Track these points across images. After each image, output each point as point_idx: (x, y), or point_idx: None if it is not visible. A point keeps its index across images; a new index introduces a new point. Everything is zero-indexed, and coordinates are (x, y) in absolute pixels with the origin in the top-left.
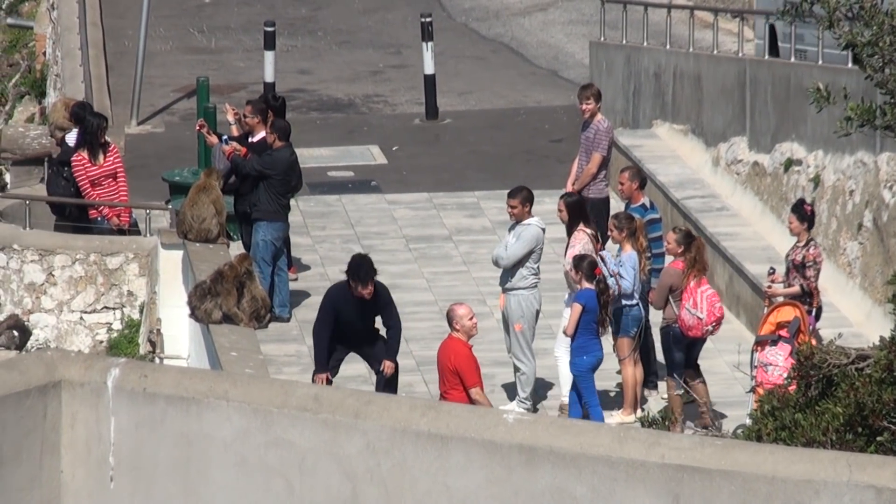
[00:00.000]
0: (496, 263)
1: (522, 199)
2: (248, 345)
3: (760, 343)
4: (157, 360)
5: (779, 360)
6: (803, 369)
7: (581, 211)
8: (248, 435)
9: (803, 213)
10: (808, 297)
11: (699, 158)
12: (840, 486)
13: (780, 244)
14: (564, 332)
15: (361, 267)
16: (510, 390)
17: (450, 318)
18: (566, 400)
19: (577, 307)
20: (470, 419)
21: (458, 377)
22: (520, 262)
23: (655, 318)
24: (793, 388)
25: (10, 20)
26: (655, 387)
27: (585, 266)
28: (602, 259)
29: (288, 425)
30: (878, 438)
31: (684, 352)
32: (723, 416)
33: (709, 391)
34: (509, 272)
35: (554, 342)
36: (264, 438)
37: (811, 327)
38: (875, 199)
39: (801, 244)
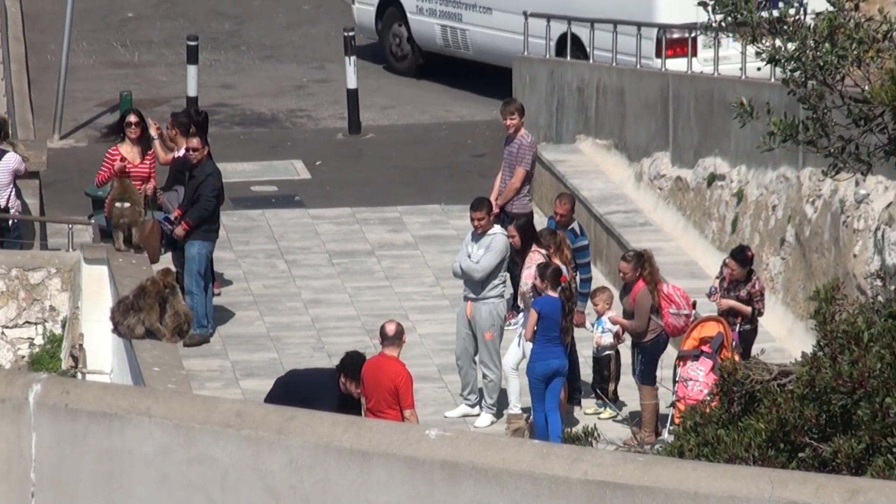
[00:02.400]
0: (461, 275)
1: (488, 210)
2: (170, 360)
3: (683, 358)
4: (79, 376)
5: (699, 375)
6: (726, 385)
7: (532, 232)
8: (171, 451)
9: (745, 259)
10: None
11: (622, 173)
12: (762, 502)
13: (703, 259)
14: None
15: (357, 362)
16: (438, 404)
17: (384, 335)
18: (515, 411)
19: (533, 313)
20: (392, 435)
21: (396, 397)
22: (491, 273)
23: (579, 333)
24: (714, 403)
25: None
26: (579, 403)
27: (550, 274)
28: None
29: (210, 441)
30: (801, 454)
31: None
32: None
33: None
34: (478, 283)
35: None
36: (186, 454)
37: (734, 343)
38: (798, 214)
39: (743, 281)
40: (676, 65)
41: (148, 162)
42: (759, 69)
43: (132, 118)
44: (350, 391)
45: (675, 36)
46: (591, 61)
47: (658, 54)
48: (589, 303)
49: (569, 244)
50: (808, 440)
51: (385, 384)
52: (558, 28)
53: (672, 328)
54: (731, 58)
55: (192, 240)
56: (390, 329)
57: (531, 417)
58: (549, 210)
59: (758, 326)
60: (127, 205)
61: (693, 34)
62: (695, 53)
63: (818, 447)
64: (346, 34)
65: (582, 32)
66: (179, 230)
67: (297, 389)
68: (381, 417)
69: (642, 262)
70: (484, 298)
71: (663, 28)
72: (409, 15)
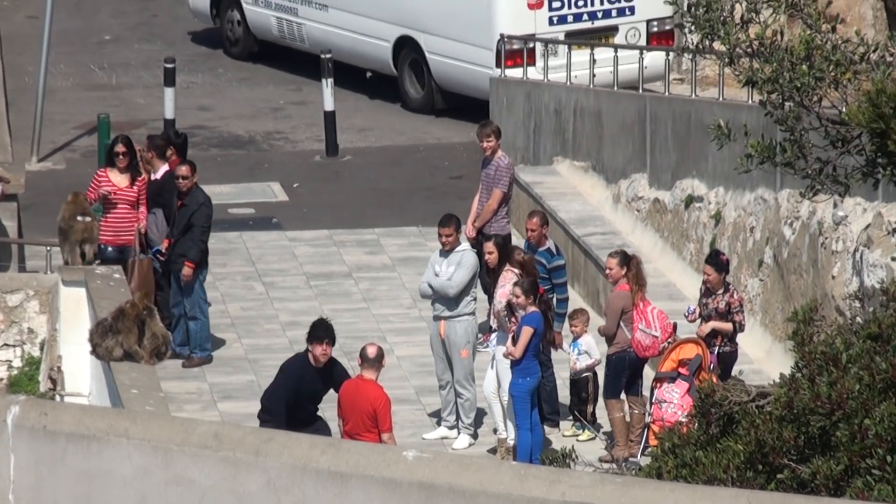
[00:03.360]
0: (430, 294)
1: (456, 227)
2: (148, 382)
3: (660, 379)
4: (57, 398)
5: (674, 397)
6: (704, 406)
7: (508, 251)
8: (149, 472)
9: (720, 264)
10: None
11: (600, 195)
12: None
13: (681, 281)
14: (509, 355)
15: (318, 326)
16: (416, 427)
17: (365, 358)
18: (504, 435)
19: (528, 330)
20: (370, 456)
21: (374, 420)
22: (464, 289)
23: (556, 355)
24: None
25: None
26: (556, 425)
27: (530, 288)
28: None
29: (188, 463)
30: (779, 476)
31: (629, 377)
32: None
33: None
34: (452, 300)
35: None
36: (165, 476)
37: (712, 365)
38: (776, 236)
39: (720, 292)
40: (514, 74)
41: (136, 187)
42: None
43: (119, 148)
44: (325, 354)
45: (515, 47)
46: (568, 83)
47: (497, 64)
48: (566, 324)
49: (549, 277)
50: (787, 461)
51: (363, 407)
52: (396, 31)
53: (637, 344)
54: (564, 67)
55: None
56: (371, 352)
57: (513, 438)
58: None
59: (737, 349)
60: (89, 219)
61: (531, 45)
62: (532, 63)
63: (797, 468)
64: (323, 56)
65: (420, 37)
66: (187, 272)
67: (297, 379)
68: (363, 440)
69: (628, 261)
70: (458, 316)
71: (503, 38)
72: (244, 6)
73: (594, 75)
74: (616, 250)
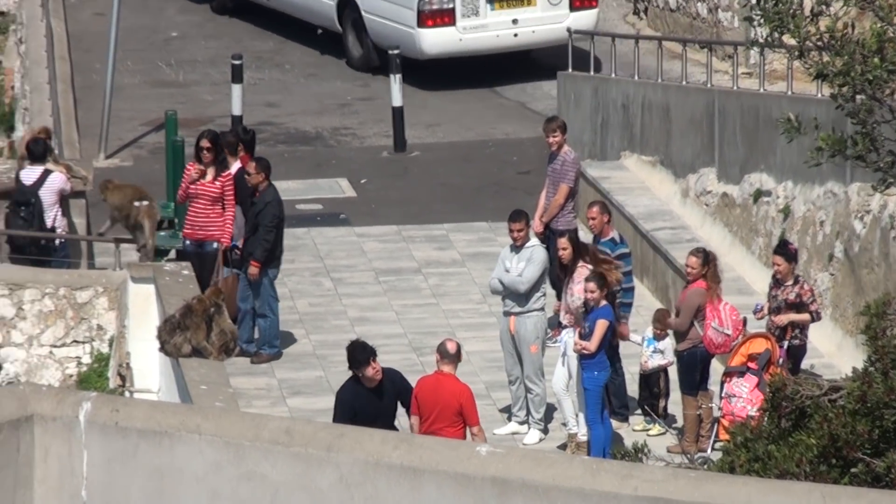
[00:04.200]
0: (500, 290)
1: (526, 222)
2: (217, 378)
3: (729, 374)
4: (126, 394)
5: (743, 391)
6: (776, 400)
7: (581, 247)
8: (221, 468)
9: (789, 254)
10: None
11: (668, 190)
12: None
13: (750, 275)
14: (583, 350)
15: (354, 350)
16: (486, 422)
17: (444, 353)
18: (574, 430)
19: (604, 323)
20: (443, 452)
21: (460, 415)
22: (534, 285)
23: (631, 349)
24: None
25: None
26: (626, 419)
27: (601, 281)
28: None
29: (260, 458)
30: (853, 470)
31: (701, 372)
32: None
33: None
34: (522, 296)
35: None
36: (237, 472)
37: (781, 360)
38: (846, 230)
39: (790, 283)
40: (437, 34)
41: (220, 182)
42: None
43: (204, 143)
44: (370, 378)
45: (435, 7)
46: (635, 77)
47: (419, 23)
48: (634, 319)
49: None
50: (861, 455)
51: (448, 402)
52: None
53: (709, 342)
54: (488, 26)
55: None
56: (451, 347)
57: (584, 433)
58: None
59: (807, 342)
60: (146, 203)
61: (450, 5)
62: (452, 23)
63: (871, 462)
64: (391, 53)
65: None
66: (253, 270)
67: (351, 406)
68: (445, 436)
69: (708, 260)
70: (528, 311)
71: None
72: None
73: (516, 35)
74: (698, 248)
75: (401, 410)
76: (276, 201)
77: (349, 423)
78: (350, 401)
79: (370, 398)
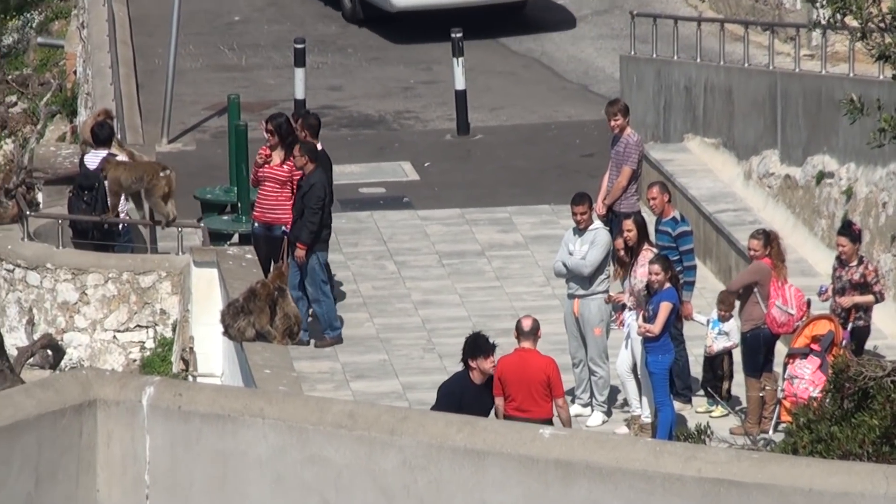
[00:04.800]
0: (564, 273)
1: (590, 205)
2: (281, 362)
3: (792, 356)
4: (190, 379)
5: (805, 373)
6: (839, 382)
7: (646, 230)
8: (284, 452)
9: (854, 234)
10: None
11: (731, 172)
12: (877, 498)
13: (813, 257)
14: (647, 333)
15: (478, 339)
16: None
17: (521, 330)
18: (639, 412)
19: (668, 305)
20: (506, 434)
21: (549, 388)
22: (598, 268)
23: (694, 331)
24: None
25: (40, 39)
26: (689, 401)
27: (666, 263)
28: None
29: (324, 442)
30: None
31: (764, 354)
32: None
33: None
34: (586, 278)
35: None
36: (300, 455)
37: (844, 341)
38: None
39: (854, 264)
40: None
41: (287, 166)
42: None
43: (267, 126)
44: (485, 371)
45: None
46: (697, 60)
47: None
48: (697, 301)
49: (677, 244)
50: None
51: (535, 377)
52: None
53: (772, 320)
54: None
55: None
56: (526, 324)
57: (647, 415)
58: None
59: (870, 323)
60: (170, 171)
61: None
62: None
63: None
64: (453, 35)
65: None
66: (300, 253)
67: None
68: (533, 413)
69: (770, 240)
70: (592, 294)
71: None
72: None
73: None
74: (758, 230)
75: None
76: (321, 183)
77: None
78: (458, 393)
79: (477, 394)
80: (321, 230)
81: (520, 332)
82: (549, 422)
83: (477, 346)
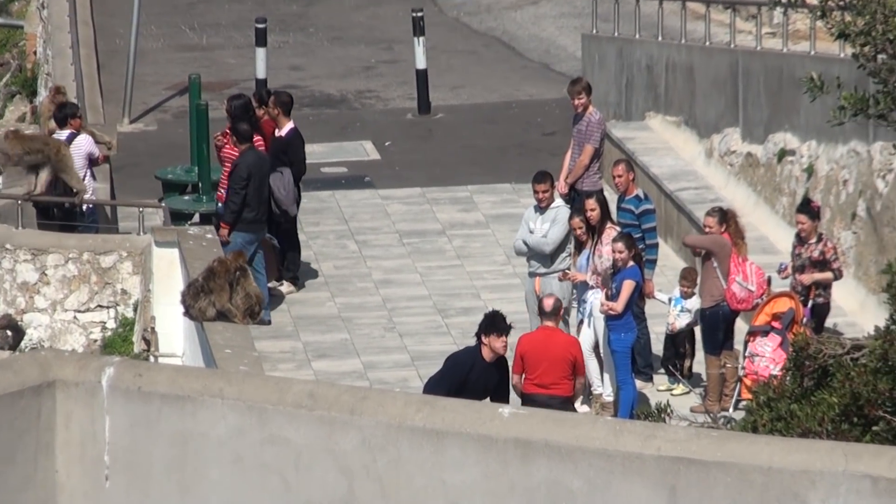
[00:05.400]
0: (525, 251)
1: (551, 183)
2: (242, 342)
3: (753, 333)
4: (151, 359)
5: (766, 351)
6: (799, 359)
7: (608, 208)
8: (244, 433)
9: (812, 212)
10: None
11: (692, 150)
12: (836, 476)
13: (775, 235)
14: (609, 311)
15: (495, 317)
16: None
17: (542, 311)
18: (600, 390)
19: (631, 284)
20: (466, 414)
21: (572, 367)
22: (560, 246)
23: (655, 309)
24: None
25: (0, 20)
26: (650, 379)
27: (629, 242)
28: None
29: (283, 422)
30: (874, 428)
31: (724, 331)
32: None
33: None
34: (547, 256)
35: None
36: (260, 436)
37: (805, 319)
38: (869, 189)
39: (814, 241)
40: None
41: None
42: None
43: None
44: (496, 349)
45: None
46: (659, 39)
47: None
48: (658, 278)
49: (640, 223)
50: (883, 413)
51: (560, 355)
52: None
53: (732, 296)
54: None
55: (234, 231)
56: (548, 304)
57: (609, 394)
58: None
59: (830, 301)
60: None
61: None
62: None
63: (892, 420)
64: (414, 14)
65: None
66: (223, 232)
67: (464, 372)
68: (555, 390)
69: (727, 217)
70: (554, 272)
71: None
72: None
73: None
74: (714, 208)
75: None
76: (245, 164)
77: (456, 386)
78: (468, 366)
79: (486, 370)
80: (242, 210)
81: (542, 313)
82: (569, 400)
83: (493, 323)
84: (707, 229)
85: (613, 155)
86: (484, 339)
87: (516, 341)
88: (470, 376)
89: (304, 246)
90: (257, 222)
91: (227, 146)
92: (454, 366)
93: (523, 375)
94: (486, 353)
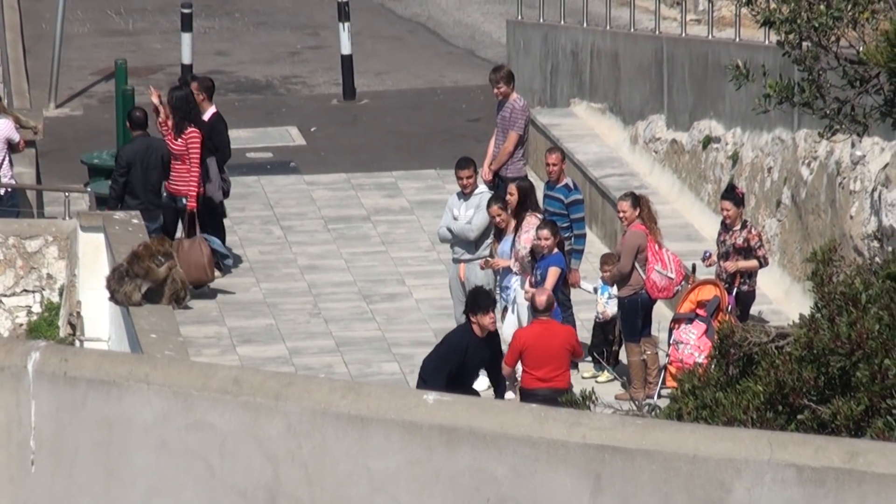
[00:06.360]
0: (449, 238)
1: (475, 169)
2: (167, 327)
3: (678, 321)
4: (77, 343)
5: (691, 338)
6: (723, 347)
7: (530, 196)
8: (169, 418)
9: (737, 198)
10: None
11: (617, 137)
12: (761, 464)
13: (699, 222)
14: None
15: (478, 295)
16: None
17: (536, 308)
18: None
19: (556, 271)
20: (390, 400)
21: (572, 354)
22: (484, 232)
23: (581, 296)
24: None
25: None
26: (575, 366)
27: (554, 228)
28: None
29: (208, 408)
30: (799, 416)
31: (643, 318)
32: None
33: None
34: (471, 242)
35: None
36: (185, 421)
37: (730, 306)
38: (793, 176)
39: (738, 228)
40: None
41: (182, 140)
42: None
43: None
44: (485, 326)
45: None
46: (584, 25)
47: None
48: (584, 266)
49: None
50: (807, 402)
51: (561, 346)
52: None
53: (652, 285)
54: None
55: None
56: (541, 302)
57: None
58: (544, 174)
59: (755, 288)
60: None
61: None
62: None
63: (817, 409)
64: (339, 0)
65: None
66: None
67: (461, 350)
68: (555, 383)
69: (639, 202)
70: (478, 258)
71: None
72: None
73: None
74: (625, 193)
75: None
76: (127, 152)
77: (456, 367)
78: (464, 346)
79: (479, 347)
80: (123, 196)
81: (536, 310)
82: (567, 391)
83: (476, 302)
84: (621, 213)
85: (539, 142)
86: (472, 318)
87: (510, 336)
88: (467, 356)
89: (230, 231)
90: (146, 211)
91: (169, 136)
92: (451, 348)
93: (519, 369)
94: (477, 331)
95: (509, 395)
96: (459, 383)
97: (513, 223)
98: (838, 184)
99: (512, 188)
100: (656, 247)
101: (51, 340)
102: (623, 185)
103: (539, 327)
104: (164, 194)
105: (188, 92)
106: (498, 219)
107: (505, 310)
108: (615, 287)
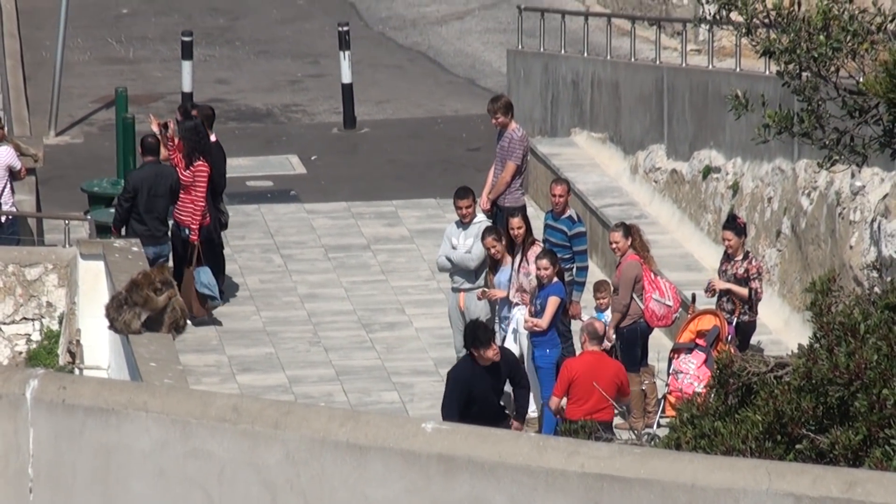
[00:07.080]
0: (448, 267)
1: (473, 198)
2: (167, 355)
3: (677, 350)
4: (76, 371)
5: (690, 368)
6: (722, 377)
7: (530, 226)
8: (167, 446)
9: (738, 228)
10: (746, 305)
11: (617, 166)
12: (759, 494)
13: (699, 252)
14: (534, 327)
15: (476, 330)
16: (434, 398)
17: (593, 335)
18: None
19: (556, 300)
20: (389, 429)
21: (620, 390)
22: (483, 261)
23: (575, 325)
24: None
25: None
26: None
27: (554, 258)
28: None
29: (207, 436)
30: (798, 446)
31: (642, 347)
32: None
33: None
34: (471, 272)
35: None
36: (183, 449)
37: (730, 336)
38: (793, 206)
39: (740, 258)
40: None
41: (190, 172)
42: None
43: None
44: (488, 358)
45: None
46: (585, 55)
47: None
48: (588, 296)
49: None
50: (806, 432)
51: (613, 380)
52: None
53: (651, 315)
54: None
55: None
56: (600, 328)
57: (534, 410)
58: (545, 204)
59: (756, 319)
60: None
61: None
62: None
63: (815, 439)
64: (340, 29)
65: None
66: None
67: (467, 384)
68: (600, 416)
69: (630, 232)
70: (478, 287)
71: None
72: None
73: None
74: (616, 223)
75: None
76: (132, 179)
77: (464, 401)
78: (468, 379)
79: (486, 376)
80: (128, 220)
81: (590, 335)
82: (610, 424)
83: (476, 336)
84: (613, 244)
85: (539, 171)
86: (474, 353)
87: (561, 365)
88: (474, 386)
89: (230, 259)
90: (152, 237)
91: (179, 167)
92: (455, 383)
93: (565, 399)
94: (481, 361)
95: (532, 412)
96: (477, 414)
97: (508, 258)
98: (838, 214)
99: (518, 221)
100: (652, 275)
101: (50, 368)
102: (623, 215)
103: (591, 357)
104: (171, 222)
105: (198, 123)
106: (493, 250)
107: (504, 339)
108: (607, 312)
